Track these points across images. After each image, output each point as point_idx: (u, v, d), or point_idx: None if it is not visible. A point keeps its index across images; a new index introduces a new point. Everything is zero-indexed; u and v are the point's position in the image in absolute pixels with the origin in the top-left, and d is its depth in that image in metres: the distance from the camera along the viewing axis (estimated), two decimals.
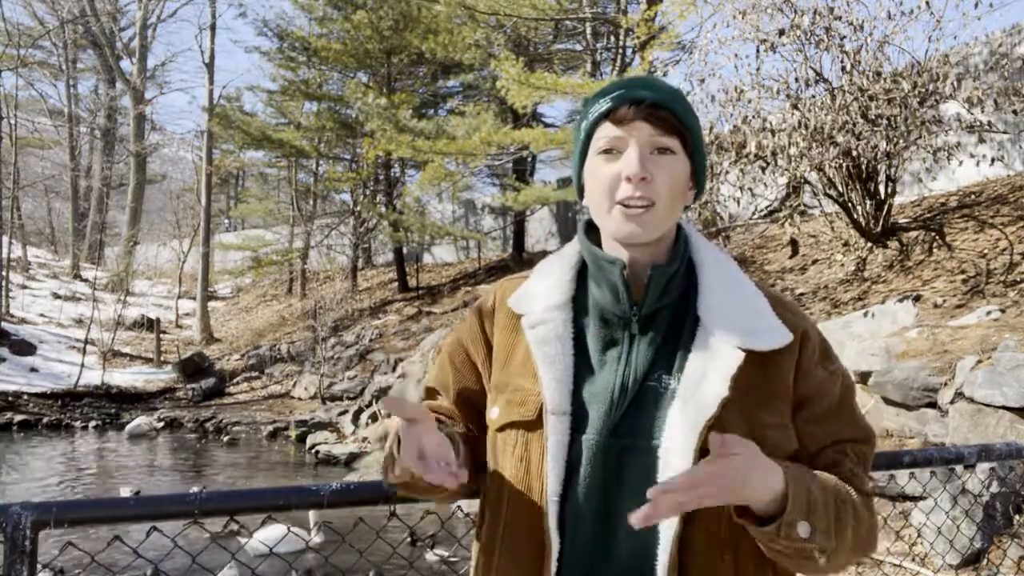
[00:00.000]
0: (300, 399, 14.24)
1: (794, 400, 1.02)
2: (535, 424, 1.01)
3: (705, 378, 0.97)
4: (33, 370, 14.84)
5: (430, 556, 5.73)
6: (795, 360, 1.03)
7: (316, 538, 5.69)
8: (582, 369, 1.03)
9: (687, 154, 1.05)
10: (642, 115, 1.01)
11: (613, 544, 0.97)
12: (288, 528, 5.11)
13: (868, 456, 1.06)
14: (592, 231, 1.12)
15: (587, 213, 1.12)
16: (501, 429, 1.05)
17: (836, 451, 1.03)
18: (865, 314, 6.26)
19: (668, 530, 0.94)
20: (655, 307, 1.04)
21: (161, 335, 17.54)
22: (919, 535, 3.96)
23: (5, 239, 18.72)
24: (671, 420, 0.96)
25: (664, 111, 1.02)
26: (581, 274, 1.11)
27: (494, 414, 1.07)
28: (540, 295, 1.09)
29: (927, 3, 6.84)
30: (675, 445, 0.95)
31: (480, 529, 1.11)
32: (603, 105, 1.04)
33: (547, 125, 19.27)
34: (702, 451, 0.92)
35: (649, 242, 1.04)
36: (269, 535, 5.50)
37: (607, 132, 1.03)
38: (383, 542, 1.74)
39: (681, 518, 0.94)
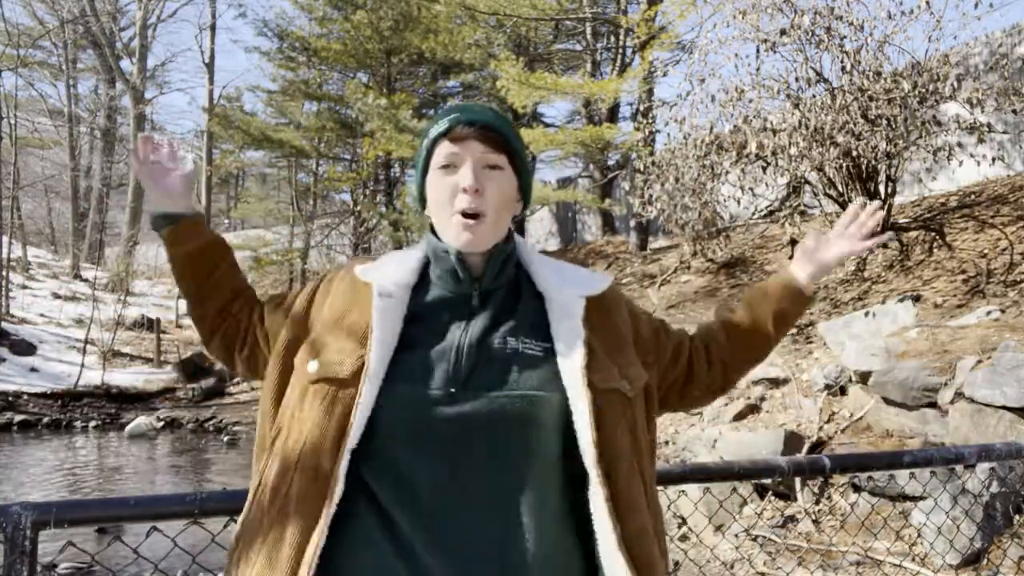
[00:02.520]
0: None
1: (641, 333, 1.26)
2: (348, 383, 1.09)
3: (570, 332, 1.14)
4: (33, 370, 14.82)
5: None
6: (623, 303, 1.28)
7: None
8: (415, 341, 1.13)
9: (514, 171, 1.21)
10: (475, 135, 1.17)
11: (461, 486, 1.06)
12: None
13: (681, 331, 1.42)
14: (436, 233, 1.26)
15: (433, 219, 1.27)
16: (316, 382, 1.12)
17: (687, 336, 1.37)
18: (865, 314, 6.26)
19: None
20: (494, 285, 1.19)
21: (161, 335, 17.52)
22: (919, 535, 3.96)
23: (5, 239, 18.71)
24: (565, 374, 1.11)
25: (494, 132, 1.18)
26: (427, 266, 1.23)
27: (312, 368, 1.13)
28: (390, 271, 1.21)
29: (927, 3, 6.84)
30: (573, 393, 1.10)
31: (262, 482, 1.14)
32: (442, 126, 1.19)
33: (547, 125, 19.28)
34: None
35: (482, 251, 1.19)
36: None
37: (445, 149, 1.18)
38: None
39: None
